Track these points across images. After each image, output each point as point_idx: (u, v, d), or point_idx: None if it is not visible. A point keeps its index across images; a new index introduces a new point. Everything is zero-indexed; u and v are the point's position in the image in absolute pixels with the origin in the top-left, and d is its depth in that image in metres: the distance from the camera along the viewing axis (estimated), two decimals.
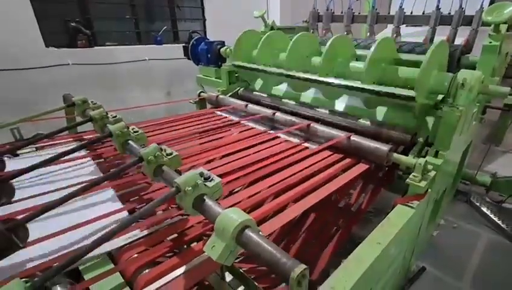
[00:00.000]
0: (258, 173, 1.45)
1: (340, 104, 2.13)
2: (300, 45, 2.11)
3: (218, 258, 0.71)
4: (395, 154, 1.51)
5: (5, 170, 1.39)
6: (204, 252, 0.91)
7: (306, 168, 1.49)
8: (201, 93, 2.66)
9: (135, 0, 4.68)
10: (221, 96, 2.49)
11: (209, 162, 1.62)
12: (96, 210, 1.10)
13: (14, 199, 1.14)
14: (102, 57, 4.22)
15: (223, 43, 3.16)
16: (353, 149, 1.61)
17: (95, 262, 0.89)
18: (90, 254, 0.88)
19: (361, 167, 1.53)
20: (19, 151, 1.70)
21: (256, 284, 0.97)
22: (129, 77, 4.52)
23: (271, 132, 1.97)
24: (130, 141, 1.29)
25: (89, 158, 1.56)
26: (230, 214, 0.75)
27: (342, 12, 3.02)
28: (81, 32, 4.09)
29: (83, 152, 1.64)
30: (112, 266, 0.89)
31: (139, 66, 4.57)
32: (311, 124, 1.84)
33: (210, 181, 0.91)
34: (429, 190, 1.39)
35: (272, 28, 2.89)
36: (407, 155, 1.55)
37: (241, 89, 2.70)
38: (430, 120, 1.71)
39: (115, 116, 1.54)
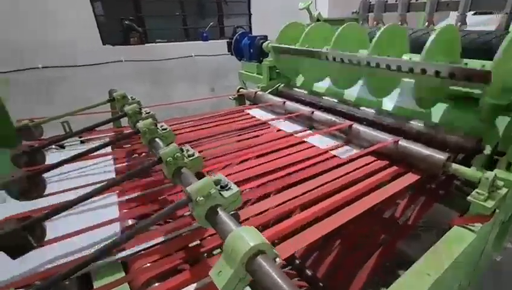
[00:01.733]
0: (291, 178, 1.31)
1: (388, 103, 1.88)
2: (346, 37, 1.89)
3: (224, 288, 0.59)
4: (455, 165, 1.25)
5: (50, 162, 1.43)
6: None
7: (345, 174, 1.31)
8: (241, 90, 2.56)
9: None
10: (259, 92, 2.37)
11: (240, 162, 1.51)
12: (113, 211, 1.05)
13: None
14: (152, 54, 4.36)
15: (265, 38, 3.03)
16: (401, 156, 1.38)
17: (106, 268, 0.83)
18: (103, 260, 0.84)
19: (411, 178, 1.30)
20: (65, 143, 1.77)
21: None
22: (175, 72, 4.61)
23: (309, 132, 1.80)
24: (156, 139, 1.23)
25: (124, 154, 1.56)
26: (242, 234, 0.63)
27: (396, 1, 2.69)
28: (134, 30, 4.26)
29: (118, 147, 1.64)
30: (122, 274, 0.82)
31: (185, 62, 4.65)
32: (354, 125, 1.64)
33: (227, 190, 0.79)
34: (497, 211, 1.12)
35: (317, 20, 2.68)
36: (469, 165, 1.29)
37: (281, 86, 2.55)
38: (501, 123, 1.40)
39: (149, 112, 1.50)
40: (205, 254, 0.94)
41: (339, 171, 1.33)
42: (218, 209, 0.75)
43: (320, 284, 1.32)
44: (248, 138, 1.73)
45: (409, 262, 0.91)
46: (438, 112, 1.63)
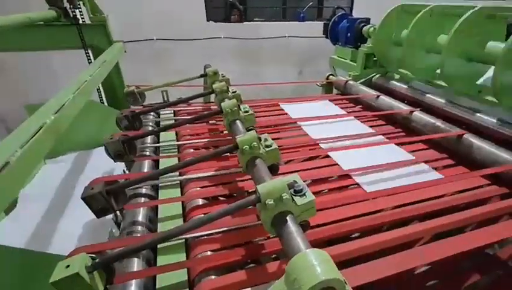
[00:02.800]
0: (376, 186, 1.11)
1: None
2: (473, 25, 1.48)
3: None
4: None
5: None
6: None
7: (445, 195, 1.05)
8: (330, 76, 2.33)
9: None
10: (350, 82, 2.11)
11: (313, 158, 1.35)
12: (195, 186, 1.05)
13: None
14: (249, 32, 4.35)
15: (367, 21, 2.65)
16: None
17: (170, 245, 0.82)
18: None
19: None
20: (162, 111, 1.88)
21: None
22: (268, 52, 4.53)
23: (403, 134, 1.51)
24: (237, 121, 1.17)
25: (207, 130, 1.56)
26: (311, 261, 0.50)
27: None
28: (235, 7, 4.29)
29: (205, 122, 1.65)
30: (183, 255, 0.80)
31: (278, 42, 4.51)
32: (465, 135, 1.29)
33: (301, 196, 0.67)
34: None
35: None
36: None
37: (377, 76, 2.22)
38: None
39: (235, 92, 1.45)
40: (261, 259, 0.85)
41: (437, 189, 1.06)
42: (288, 218, 0.64)
43: None
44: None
45: None
46: None
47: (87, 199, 0.82)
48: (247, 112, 1.22)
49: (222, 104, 1.20)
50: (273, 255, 0.83)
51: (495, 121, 1.44)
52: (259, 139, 0.92)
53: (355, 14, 4.59)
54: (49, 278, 0.81)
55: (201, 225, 0.70)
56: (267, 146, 0.92)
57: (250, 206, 0.71)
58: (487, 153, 1.18)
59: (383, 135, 1.49)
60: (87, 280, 0.58)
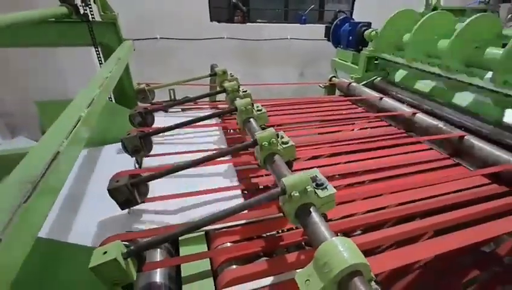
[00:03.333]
0: (380, 185, 1.15)
1: None
2: (472, 31, 1.54)
3: None
4: None
5: (154, 125, 1.54)
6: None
7: (447, 194, 1.09)
8: (333, 78, 2.37)
9: None
10: (353, 84, 2.15)
11: (317, 157, 1.38)
12: (213, 181, 1.07)
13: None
14: (251, 33, 4.37)
15: (368, 25, 2.71)
16: None
17: (191, 237, 0.84)
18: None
19: None
20: (170, 109, 1.89)
21: None
22: (269, 53, 4.56)
23: (406, 135, 1.56)
24: (251, 119, 1.20)
25: (216, 127, 1.58)
26: (339, 247, 0.53)
27: None
28: (238, 8, 4.31)
29: (214, 120, 1.67)
30: (205, 246, 0.82)
31: (280, 43, 4.54)
32: (466, 137, 1.34)
33: (322, 190, 0.70)
34: None
35: (435, 9, 2.26)
36: None
37: (378, 79, 2.27)
38: None
39: (245, 91, 1.48)
40: (280, 250, 0.88)
41: (440, 188, 1.11)
42: (311, 209, 0.67)
43: None
44: (332, 132, 1.59)
45: None
46: None
47: (113, 191, 0.84)
48: (260, 110, 1.26)
49: (236, 102, 1.23)
50: (288, 247, 0.86)
51: (491, 124, 1.50)
52: (277, 135, 0.95)
53: (356, 18, 4.66)
54: (71, 266, 0.82)
55: (225, 217, 0.73)
56: (283, 143, 0.95)
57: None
58: (488, 154, 1.23)
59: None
60: (123, 265, 0.60)
